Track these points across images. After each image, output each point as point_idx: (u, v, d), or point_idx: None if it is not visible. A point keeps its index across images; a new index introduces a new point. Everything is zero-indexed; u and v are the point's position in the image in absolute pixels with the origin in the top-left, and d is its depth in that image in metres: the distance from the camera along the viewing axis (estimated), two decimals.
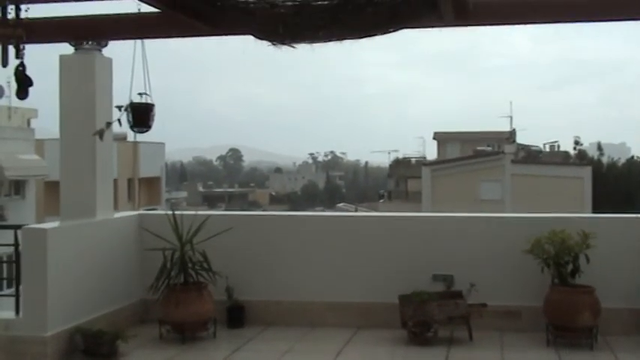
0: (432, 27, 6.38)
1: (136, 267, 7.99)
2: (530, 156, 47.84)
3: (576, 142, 50.57)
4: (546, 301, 7.07)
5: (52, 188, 28.87)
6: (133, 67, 7.27)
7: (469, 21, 6.54)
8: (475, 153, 47.36)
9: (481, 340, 7.10)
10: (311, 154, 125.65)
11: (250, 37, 6.05)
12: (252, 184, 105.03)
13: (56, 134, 7.84)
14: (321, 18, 5.24)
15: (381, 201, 56.09)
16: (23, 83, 5.54)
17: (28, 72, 5.52)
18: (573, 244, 6.96)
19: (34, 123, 42.43)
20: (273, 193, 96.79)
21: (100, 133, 7.06)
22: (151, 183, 46.21)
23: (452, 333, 7.22)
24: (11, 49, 5.30)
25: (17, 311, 6.88)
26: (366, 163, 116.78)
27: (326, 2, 5.11)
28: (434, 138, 56.02)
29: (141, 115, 7.24)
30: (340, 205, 65.36)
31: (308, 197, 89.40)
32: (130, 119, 7.20)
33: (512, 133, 47.57)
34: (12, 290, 7.20)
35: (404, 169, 54.36)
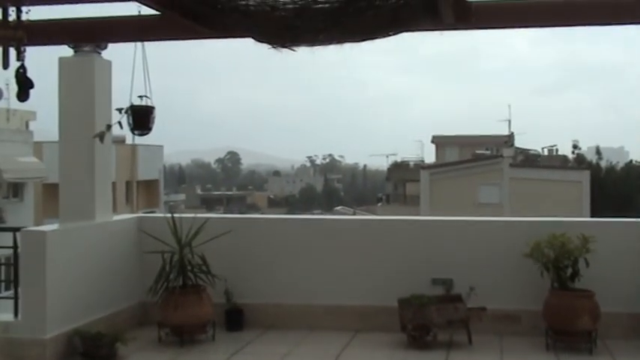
0: (433, 30, 6.37)
1: (134, 270, 7.98)
2: (529, 160, 47.89)
3: (575, 146, 50.72)
4: (546, 305, 7.07)
5: (50, 191, 28.80)
6: (133, 69, 7.27)
7: (469, 24, 6.54)
8: (474, 157, 47.42)
9: (480, 344, 7.10)
10: (309, 157, 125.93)
11: (250, 40, 6.05)
12: (250, 187, 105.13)
13: (55, 137, 7.84)
14: (322, 21, 5.22)
15: (380, 204, 56.15)
16: (24, 85, 5.53)
17: (28, 74, 5.51)
18: (573, 248, 6.96)
19: (32, 125, 42.39)
20: (272, 196, 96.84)
21: (101, 136, 7.06)
22: (149, 186, 46.18)
23: (451, 337, 7.22)
24: (12, 51, 5.30)
25: (16, 314, 6.86)
26: (365, 166, 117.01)
27: (327, 5, 5.09)
28: (432, 141, 56.06)
29: (141, 117, 7.24)
30: (338, 208, 65.39)
31: (306, 200, 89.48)
32: (131, 122, 7.19)
33: (510, 137, 47.67)
34: (11, 293, 7.18)
35: (402, 172, 54.41)
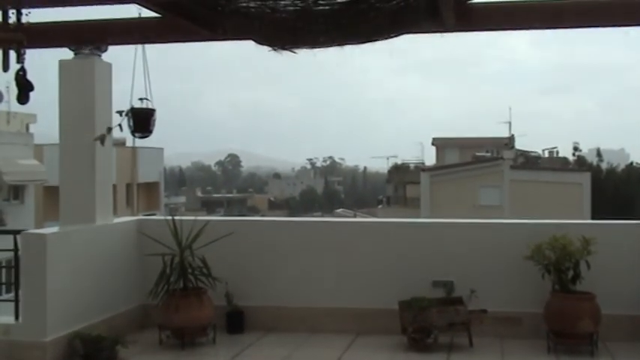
0: (434, 32, 6.38)
1: (135, 272, 7.97)
2: (529, 162, 47.86)
3: (575, 148, 50.76)
4: (547, 308, 7.06)
5: (51, 193, 28.80)
6: (134, 72, 7.27)
7: (470, 26, 6.54)
8: (474, 159, 47.38)
9: (481, 347, 7.09)
10: (309, 159, 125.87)
11: (251, 42, 6.05)
12: (250, 190, 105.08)
13: (55, 139, 7.83)
14: (323, 23, 5.23)
15: (380, 207, 56.16)
16: (24, 88, 5.53)
17: (29, 76, 5.51)
18: (574, 250, 6.94)
19: (32, 128, 42.42)
20: (272, 199, 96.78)
21: (102, 139, 7.05)
22: (149, 188, 46.17)
23: (452, 339, 7.21)
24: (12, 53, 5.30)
25: (16, 316, 6.86)
26: (365, 168, 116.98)
27: (327, 8, 5.10)
28: (432, 144, 56.02)
29: (142, 120, 7.23)
30: (339, 210, 65.35)
31: (306, 203, 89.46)
32: (131, 124, 7.19)
33: (511, 139, 47.65)
34: (11, 295, 7.17)
35: (403, 174, 54.40)
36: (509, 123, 49.45)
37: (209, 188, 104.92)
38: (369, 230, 8.32)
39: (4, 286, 9.69)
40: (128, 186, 42.95)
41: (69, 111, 7.59)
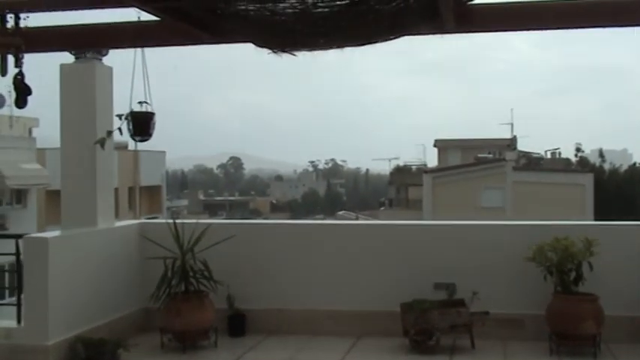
0: (434, 34, 6.37)
1: (137, 276, 7.97)
2: (532, 163, 47.81)
3: (578, 149, 50.64)
4: (549, 310, 7.04)
5: (54, 197, 28.85)
6: (133, 75, 7.25)
7: (470, 28, 6.54)
8: (476, 160, 47.30)
9: (483, 349, 7.07)
10: (312, 161, 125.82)
11: (250, 45, 6.04)
12: (252, 192, 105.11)
13: (57, 143, 7.83)
14: (322, 25, 5.22)
15: (382, 209, 56.12)
16: (22, 92, 5.55)
17: (29, 81, 5.52)
18: (576, 251, 6.92)
19: (35, 132, 42.51)
20: (274, 201, 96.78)
21: (102, 142, 7.05)
22: (151, 191, 46.21)
23: (454, 341, 7.20)
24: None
25: (19, 320, 6.87)
26: (367, 170, 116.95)
27: (327, 10, 5.09)
28: (435, 145, 55.95)
29: (141, 123, 7.21)
30: (341, 212, 65.28)
31: (309, 205, 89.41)
32: (131, 128, 7.18)
33: (513, 140, 47.59)
34: (13, 299, 7.18)
35: (405, 176, 54.36)
36: (512, 124, 49.51)
37: (211, 191, 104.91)
38: (370, 233, 8.32)
39: (6, 290, 9.67)
40: (130, 189, 43.00)
41: (70, 115, 7.60)
